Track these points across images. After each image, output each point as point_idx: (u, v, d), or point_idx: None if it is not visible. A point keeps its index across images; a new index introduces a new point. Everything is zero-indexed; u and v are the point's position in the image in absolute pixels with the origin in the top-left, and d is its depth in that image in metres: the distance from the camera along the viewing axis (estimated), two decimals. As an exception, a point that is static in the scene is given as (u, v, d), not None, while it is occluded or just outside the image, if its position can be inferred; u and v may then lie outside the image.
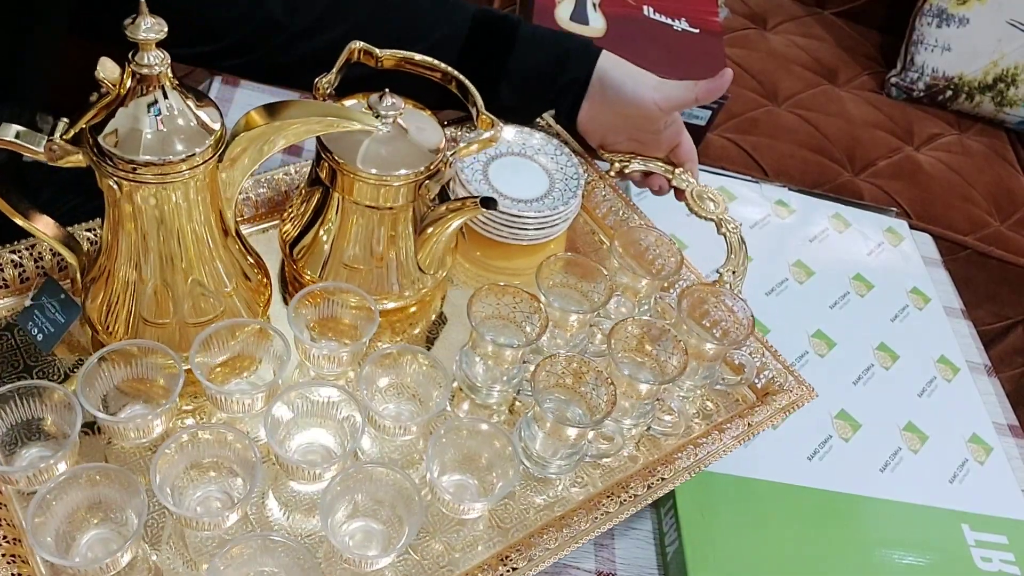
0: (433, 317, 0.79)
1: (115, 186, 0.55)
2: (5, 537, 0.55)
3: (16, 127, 0.54)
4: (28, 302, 0.66)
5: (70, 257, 0.63)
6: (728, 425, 0.75)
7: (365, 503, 0.60)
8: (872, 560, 0.80)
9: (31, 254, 0.69)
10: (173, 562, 0.57)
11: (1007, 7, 1.74)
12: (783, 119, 1.65)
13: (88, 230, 0.71)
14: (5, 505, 0.57)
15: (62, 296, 0.65)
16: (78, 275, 0.64)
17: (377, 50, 0.70)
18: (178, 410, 0.64)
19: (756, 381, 0.81)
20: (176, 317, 0.62)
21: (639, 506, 0.68)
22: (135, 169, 0.53)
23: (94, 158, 0.54)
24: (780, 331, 0.97)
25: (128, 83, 0.53)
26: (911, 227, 1.20)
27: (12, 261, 0.68)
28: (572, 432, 0.65)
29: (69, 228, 0.66)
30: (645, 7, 1.39)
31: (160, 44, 0.53)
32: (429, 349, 0.76)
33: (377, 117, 0.65)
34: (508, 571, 0.61)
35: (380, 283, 0.71)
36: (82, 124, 0.54)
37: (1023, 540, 0.85)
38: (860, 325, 1.02)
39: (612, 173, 0.90)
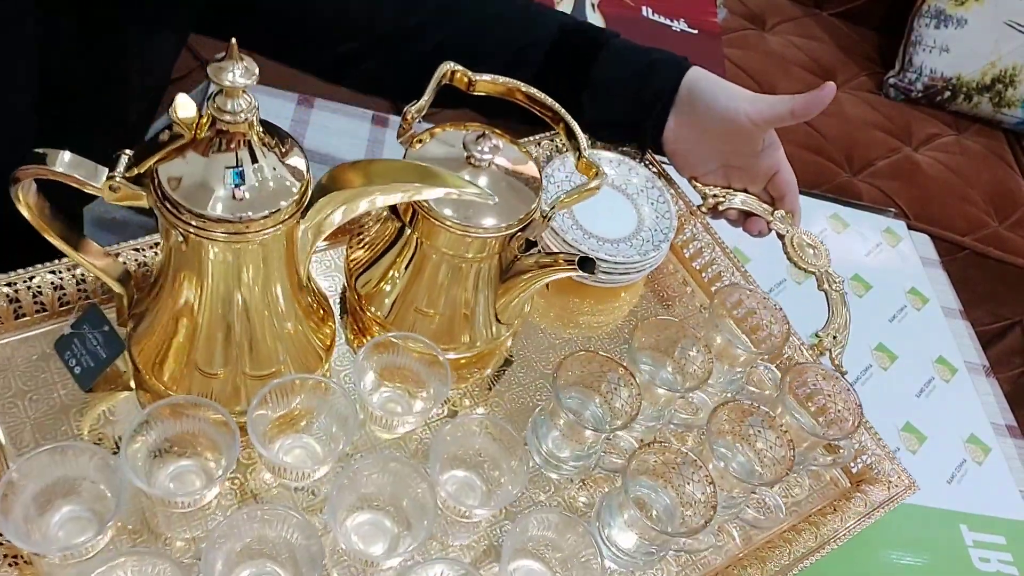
0: (500, 360, 0.71)
1: (181, 238, 0.49)
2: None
3: (67, 154, 0.47)
4: (67, 329, 0.59)
5: (117, 288, 0.57)
6: (822, 520, 0.68)
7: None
8: (870, 560, 0.80)
9: (72, 275, 0.61)
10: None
11: (1005, 8, 1.74)
12: (781, 120, 1.65)
13: (135, 249, 0.64)
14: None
15: (106, 328, 0.58)
16: (124, 305, 0.58)
17: (472, 74, 0.62)
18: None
19: (853, 466, 0.73)
20: (230, 368, 0.56)
21: None
22: (205, 225, 0.47)
23: (160, 205, 0.48)
24: (778, 331, 0.97)
25: (206, 127, 0.47)
26: (909, 228, 1.20)
27: (51, 283, 0.61)
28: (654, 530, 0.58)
29: (112, 249, 0.61)
30: (644, 8, 1.39)
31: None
32: (490, 390, 0.69)
33: (469, 160, 0.58)
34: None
35: (452, 332, 0.64)
36: (150, 164, 0.48)
37: (1021, 540, 0.86)
38: (858, 326, 1.01)
39: (705, 209, 0.80)
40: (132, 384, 0.61)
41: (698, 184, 0.81)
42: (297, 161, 0.50)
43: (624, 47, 0.80)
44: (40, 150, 0.48)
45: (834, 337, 0.75)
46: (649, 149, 0.83)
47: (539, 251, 0.64)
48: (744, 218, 0.82)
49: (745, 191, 0.81)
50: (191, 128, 0.47)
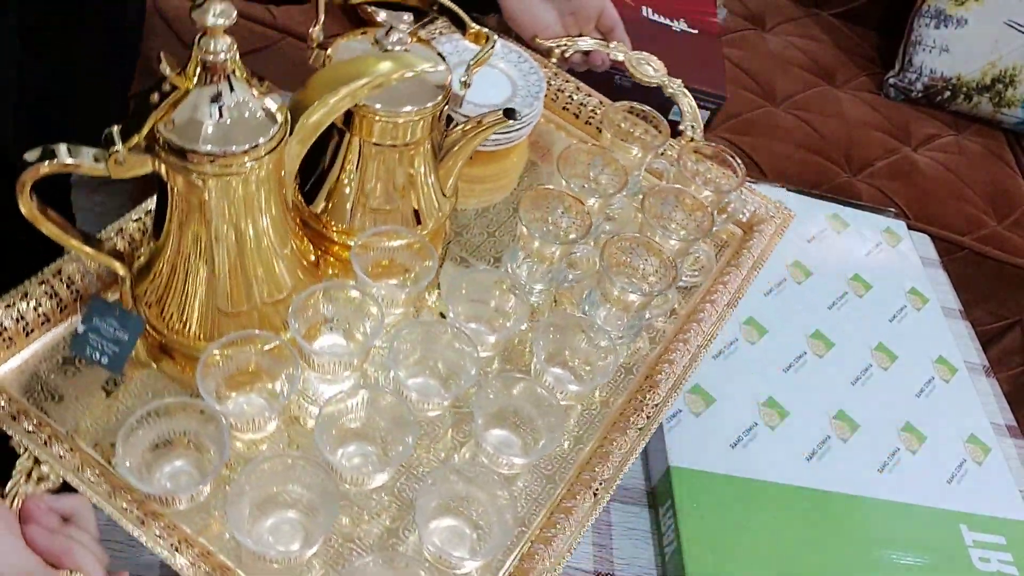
0: (448, 235, 0.78)
1: (198, 181, 0.53)
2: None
3: (64, 146, 0.50)
4: (80, 328, 0.59)
5: (121, 270, 0.59)
6: (737, 262, 0.83)
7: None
8: (870, 560, 0.80)
9: (61, 279, 0.63)
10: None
11: (1005, 8, 1.74)
12: (781, 120, 1.65)
13: (117, 233, 0.66)
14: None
15: (117, 312, 0.60)
16: (128, 285, 0.60)
17: None
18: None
19: (742, 216, 0.88)
20: (251, 303, 0.60)
21: (696, 363, 0.75)
22: (220, 160, 0.52)
23: (170, 159, 0.51)
24: (778, 331, 0.97)
25: (194, 75, 0.51)
26: (909, 227, 1.20)
27: (46, 292, 0.62)
28: (635, 300, 0.70)
29: (100, 234, 0.63)
30: (644, 8, 1.39)
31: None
32: (443, 261, 0.77)
33: (386, 52, 0.64)
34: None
35: (408, 218, 0.70)
36: (150, 126, 0.51)
37: (1021, 540, 0.86)
38: (858, 325, 1.02)
39: (554, 60, 0.91)
40: (152, 361, 0.63)
41: (541, 41, 0.92)
42: (275, 97, 0.55)
43: None
44: (40, 149, 0.49)
45: (692, 125, 0.89)
46: (492, 12, 0.92)
47: (455, 123, 0.70)
48: (585, 59, 0.94)
49: (580, 36, 0.94)
50: (183, 79, 0.51)
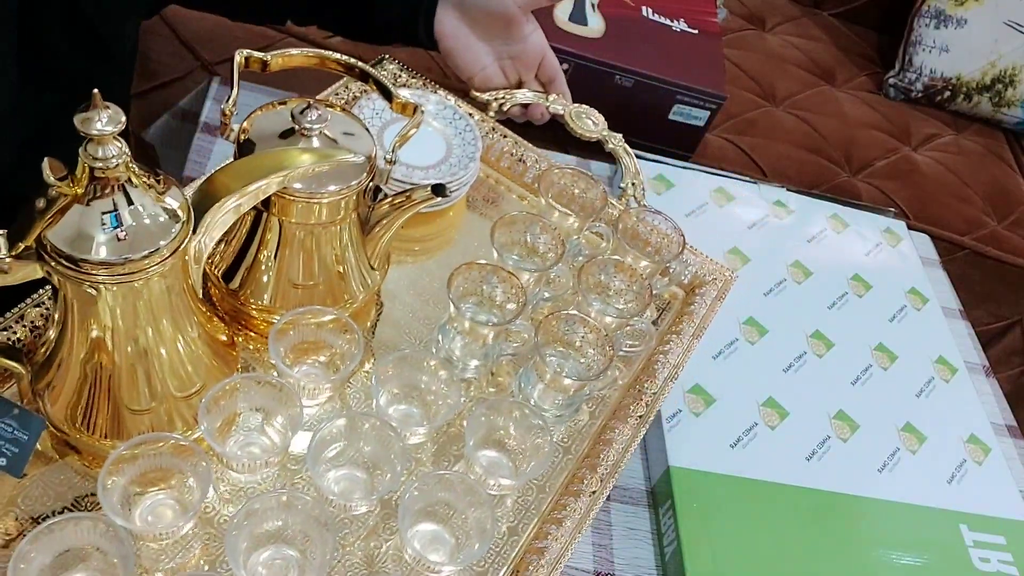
0: (376, 305, 0.77)
1: (91, 290, 0.51)
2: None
3: None
4: None
5: (19, 368, 0.57)
6: (680, 329, 0.82)
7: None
8: (870, 560, 0.80)
9: None
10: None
11: (1005, 8, 1.74)
12: (781, 120, 1.65)
13: (16, 321, 0.63)
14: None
15: (15, 411, 0.56)
16: (27, 382, 0.58)
17: (263, 55, 0.65)
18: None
19: (683, 278, 0.88)
20: (159, 400, 0.58)
21: (644, 427, 0.74)
22: (108, 271, 0.49)
23: (58, 266, 0.49)
24: (778, 331, 0.97)
25: (83, 180, 0.49)
26: (909, 227, 1.20)
27: None
28: (571, 384, 0.69)
29: None
30: (644, 8, 1.39)
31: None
32: (373, 333, 0.75)
33: (301, 132, 0.61)
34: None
35: (335, 294, 0.68)
36: (37, 232, 0.48)
37: (1021, 540, 0.86)
38: (858, 325, 1.02)
39: (491, 113, 0.89)
40: (57, 455, 0.60)
41: (478, 93, 0.89)
42: (175, 196, 0.53)
43: None
44: None
45: (632, 183, 0.87)
46: (427, 47, 0.90)
47: (386, 195, 0.69)
48: (524, 111, 0.92)
49: (519, 86, 0.91)
50: (69, 187, 0.48)
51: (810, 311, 1.01)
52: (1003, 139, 1.85)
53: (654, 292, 0.81)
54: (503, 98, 0.88)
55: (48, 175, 0.48)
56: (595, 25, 1.32)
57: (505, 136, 0.91)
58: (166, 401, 0.58)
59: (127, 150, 0.49)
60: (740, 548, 0.77)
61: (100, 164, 0.48)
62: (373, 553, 0.61)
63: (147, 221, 0.50)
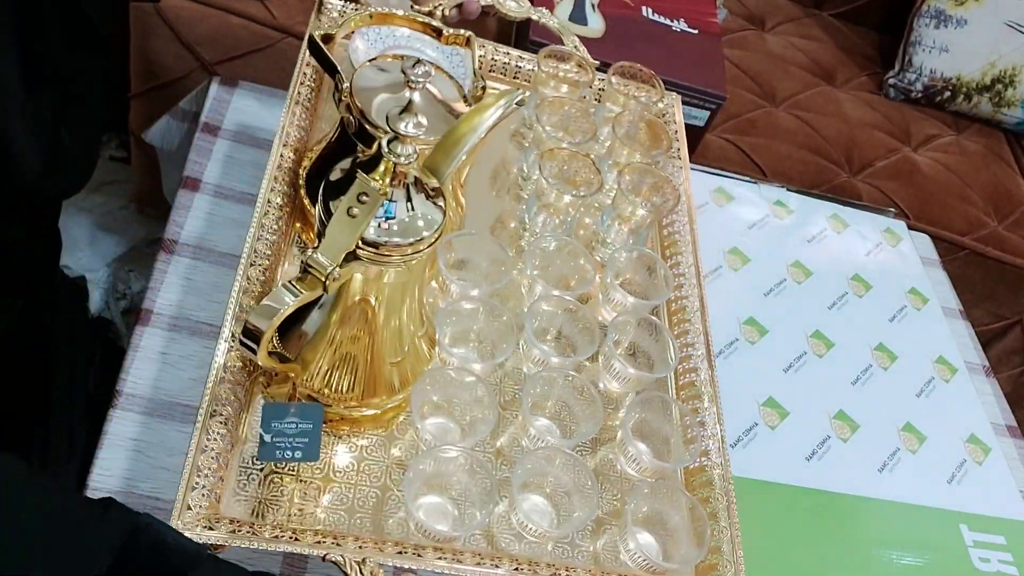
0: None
1: (398, 267, 0.58)
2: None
3: (283, 290, 0.54)
4: (266, 438, 0.62)
5: (294, 369, 0.63)
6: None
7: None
8: (870, 560, 0.80)
9: (213, 426, 0.62)
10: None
11: (1005, 8, 1.74)
12: (781, 120, 1.65)
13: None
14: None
15: (292, 410, 0.63)
16: (299, 377, 0.64)
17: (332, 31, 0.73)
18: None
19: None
20: (405, 354, 0.66)
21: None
22: (404, 252, 0.56)
23: (377, 259, 0.56)
24: (778, 331, 0.97)
25: (387, 178, 0.55)
26: (909, 228, 1.20)
27: (220, 422, 0.62)
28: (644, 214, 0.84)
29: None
30: (644, 8, 1.39)
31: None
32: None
33: (410, 85, 0.63)
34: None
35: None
36: (358, 236, 0.55)
37: (1021, 540, 0.86)
38: (858, 325, 1.02)
39: (436, 22, 0.91)
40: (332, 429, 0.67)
41: (419, 8, 0.90)
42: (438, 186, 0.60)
43: None
44: (263, 309, 0.53)
45: (575, 47, 0.95)
46: None
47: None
48: (459, 12, 0.93)
49: None
50: (382, 189, 0.55)
51: (810, 311, 1.01)
52: (1003, 139, 1.85)
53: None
54: (441, 4, 0.92)
55: (367, 181, 0.55)
56: (595, 25, 1.32)
57: (482, 46, 0.95)
58: (408, 356, 0.66)
59: (417, 153, 0.56)
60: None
61: (400, 160, 0.54)
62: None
63: (421, 213, 0.57)
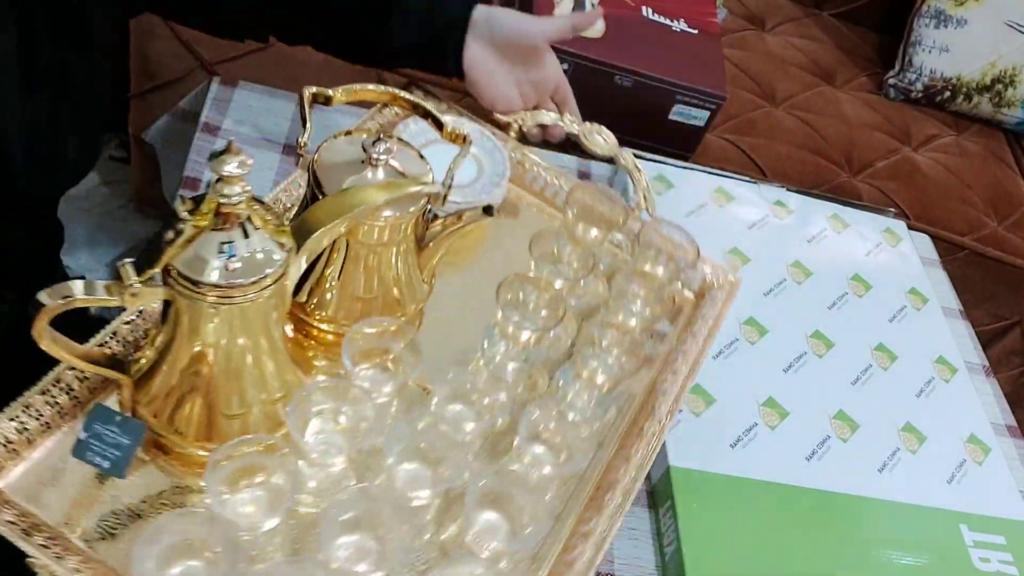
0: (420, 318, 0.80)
1: (208, 309, 0.57)
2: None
3: (79, 283, 0.54)
4: (81, 435, 0.61)
5: (125, 378, 0.63)
6: (694, 330, 0.84)
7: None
8: (870, 560, 0.80)
9: (61, 387, 0.65)
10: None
11: (1005, 8, 1.74)
12: (781, 120, 1.65)
13: (112, 335, 0.68)
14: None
15: (118, 418, 0.62)
16: (128, 393, 0.63)
17: (328, 91, 0.71)
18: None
19: (693, 284, 0.90)
20: (247, 407, 0.64)
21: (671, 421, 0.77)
22: (223, 292, 0.56)
23: (185, 291, 0.56)
24: (778, 331, 0.97)
25: (210, 213, 0.56)
26: (909, 228, 1.20)
27: (47, 403, 0.64)
28: (604, 380, 0.74)
29: (92, 344, 0.66)
30: (644, 8, 1.39)
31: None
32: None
33: (372, 162, 0.67)
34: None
35: (391, 306, 0.73)
36: (164, 262, 0.55)
37: (1021, 540, 0.86)
38: (858, 326, 1.02)
39: (513, 135, 0.93)
40: (152, 457, 0.65)
41: (500, 116, 0.93)
42: (282, 226, 0.59)
43: None
44: (53, 289, 0.53)
45: (644, 197, 0.90)
46: (453, 76, 0.91)
47: (435, 216, 0.74)
48: (542, 132, 0.96)
49: (535, 109, 0.95)
50: (197, 219, 0.55)
51: (810, 311, 1.01)
52: (1003, 140, 1.86)
53: (673, 292, 0.85)
54: (522, 119, 0.94)
55: (182, 210, 0.55)
56: (595, 25, 1.32)
57: (526, 155, 0.96)
58: (255, 406, 0.64)
59: (249, 189, 0.56)
60: (740, 548, 0.77)
61: (226, 200, 0.55)
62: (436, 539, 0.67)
63: (259, 253, 0.57)
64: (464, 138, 0.72)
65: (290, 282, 0.61)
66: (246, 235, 0.57)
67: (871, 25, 2.00)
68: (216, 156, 0.54)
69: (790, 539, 0.79)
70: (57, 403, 0.65)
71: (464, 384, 0.72)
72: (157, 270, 0.55)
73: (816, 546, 0.79)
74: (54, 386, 0.65)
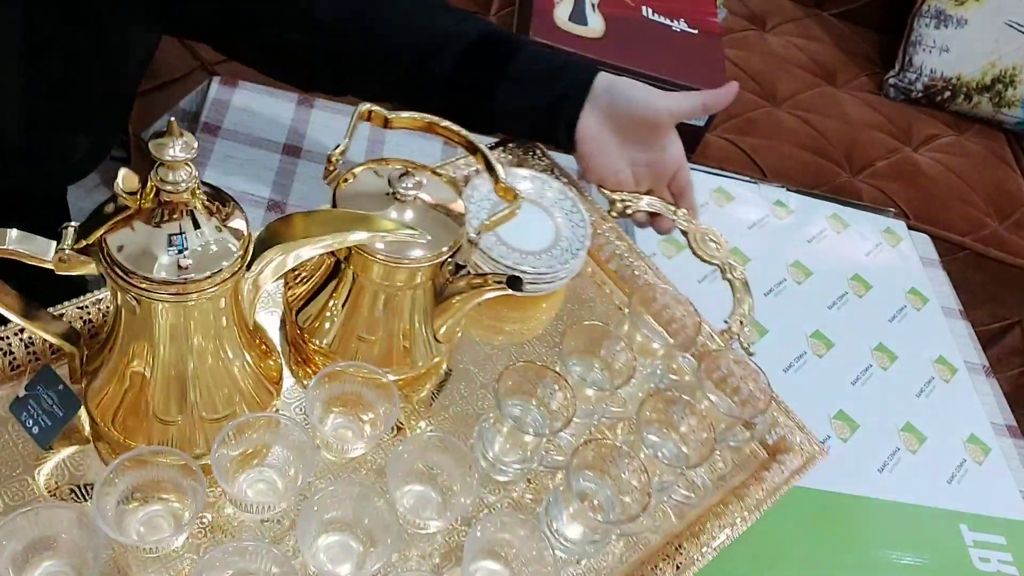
0: (440, 375, 0.74)
1: (133, 300, 0.52)
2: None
3: (15, 231, 0.50)
4: (22, 392, 0.59)
5: (68, 348, 0.59)
6: (746, 491, 0.72)
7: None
8: (870, 560, 0.80)
9: (20, 339, 0.62)
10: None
11: (1005, 8, 1.74)
12: (782, 120, 1.65)
13: (79, 307, 0.65)
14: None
15: (60, 387, 0.59)
16: (77, 364, 0.60)
17: (388, 112, 0.66)
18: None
19: (768, 438, 0.77)
20: (187, 415, 0.59)
21: None
22: (152, 287, 0.51)
23: (109, 271, 0.51)
24: (778, 332, 0.97)
25: (151, 197, 0.50)
26: (909, 228, 1.20)
27: (1, 349, 0.61)
28: (596, 522, 0.63)
29: (56, 309, 0.63)
30: (644, 8, 1.39)
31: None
32: (431, 404, 0.71)
33: (395, 196, 0.61)
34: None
35: (393, 356, 0.67)
36: (98, 234, 0.50)
37: (1021, 540, 0.86)
38: (858, 326, 1.02)
39: (613, 213, 0.83)
40: (90, 438, 0.61)
41: (606, 191, 0.83)
42: (238, 223, 0.53)
43: (541, 48, 0.84)
44: None
45: (740, 323, 0.80)
46: (563, 149, 0.84)
47: (468, 272, 0.66)
48: (650, 219, 0.85)
49: (649, 193, 0.85)
50: (136, 200, 0.50)
51: (810, 311, 1.01)
52: (1004, 140, 1.86)
53: (732, 444, 0.74)
54: (630, 201, 0.83)
55: (119, 187, 0.49)
56: (595, 25, 1.32)
57: (620, 238, 0.86)
58: (193, 418, 0.59)
59: (196, 175, 0.50)
60: (740, 548, 0.77)
61: (169, 187, 0.49)
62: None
63: (200, 249, 0.51)
64: (515, 195, 0.65)
65: (248, 291, 0.56)
66: (185, 229, 0.51)
67: (871, 25, 2.00)
68: (156, 138, 0.48)
69: (790, 539, 0.79)
70: (12, 354, 0.62)
71: (439, 473, 0.63)
72: (90, 241, 0.50)
73: (816, 546, 0.79)
74: (16, 335, 0.62)
